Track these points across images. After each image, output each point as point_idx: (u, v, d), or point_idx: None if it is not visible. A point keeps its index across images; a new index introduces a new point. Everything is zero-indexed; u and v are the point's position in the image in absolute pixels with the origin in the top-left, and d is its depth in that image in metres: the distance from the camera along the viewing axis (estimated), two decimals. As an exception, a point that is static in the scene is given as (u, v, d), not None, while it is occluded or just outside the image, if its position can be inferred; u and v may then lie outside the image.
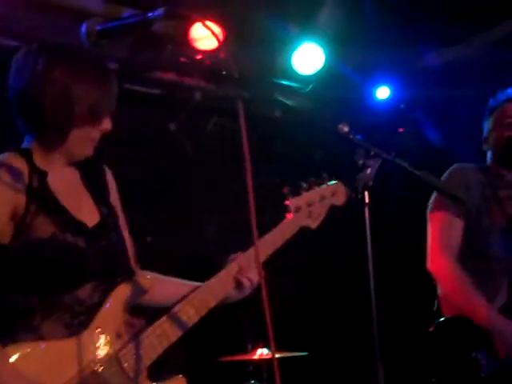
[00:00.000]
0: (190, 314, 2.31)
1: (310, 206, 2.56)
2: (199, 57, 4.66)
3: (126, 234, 2.38)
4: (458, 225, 3.30)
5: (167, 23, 4.13)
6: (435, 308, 3.36)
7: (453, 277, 3.23)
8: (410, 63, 5.29)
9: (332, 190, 2.61)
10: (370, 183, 2.11)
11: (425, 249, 3.39)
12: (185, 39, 4.50)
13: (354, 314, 2.18)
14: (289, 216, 2.53)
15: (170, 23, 4.19)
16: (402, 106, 5.40)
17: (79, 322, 2.15)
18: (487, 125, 3.50)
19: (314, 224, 2.58)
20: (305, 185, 2.55)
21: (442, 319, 3.19)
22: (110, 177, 2.42)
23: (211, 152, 5.16)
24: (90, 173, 2.35)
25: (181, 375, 2.37)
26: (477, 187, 3.34)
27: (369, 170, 2.13)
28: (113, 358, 2.15)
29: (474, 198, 3.32)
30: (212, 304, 2.36)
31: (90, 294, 2.17)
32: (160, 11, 1.97)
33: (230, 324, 4.86)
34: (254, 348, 4.59)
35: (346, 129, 2.10)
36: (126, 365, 2.16)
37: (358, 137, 2.25)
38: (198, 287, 2.37)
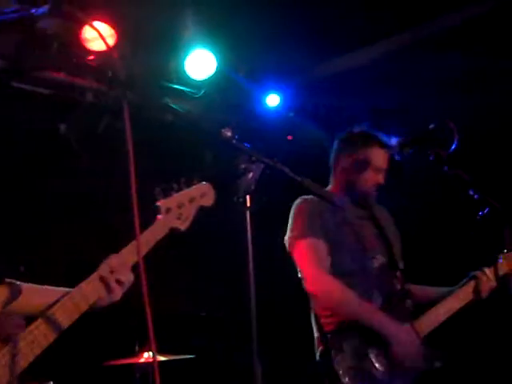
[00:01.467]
0: (62, 319, 2.25)
1: (180, 207, 2.56)
2: (91, 57, 4.61)
3: None
4: (323, 246, 3.42)
5: (57, 22, 4.06)
6: (316, 327, 3.45)
7: (338, 290, 3.34)
8: (301, 72, 5.40)
9: (201, 191, 2.61)
10: (252, 187, 2.15)
11: None
12: (77, 39, 4.45)
13: (238, 316, 2.23)
14: (159, 218, 2.53)
15: (61, 23, 4.12)
16: (292, 114, 5.52)
17: None
18: (353, 161, 3.61)
19: (183, 226, 2.58)
20: (175, 186, 2.56)
21: (334, 332, 3.30)
22: None
23: (102, 153, 5.11)
24: None
25: (51, 382, 2.33)
26: (328, 211, 3.46)
27: (250, 175, 2.17)
28: None
29: (328, 222, 3.46)
30: (83, 307, 2.30)
31: None
32: (44, 8, 1.94)
33: (118, 327, 4.83)
34: (141, 351, 4.58)
35: (229, 134, 2.15)
36: None
37: (245, 143, 2.30)
38: (70, 292, 2.33)
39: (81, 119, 4.97)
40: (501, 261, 3.27)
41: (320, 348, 3.39)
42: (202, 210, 2.61)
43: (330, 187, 3.70)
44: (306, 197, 3.53)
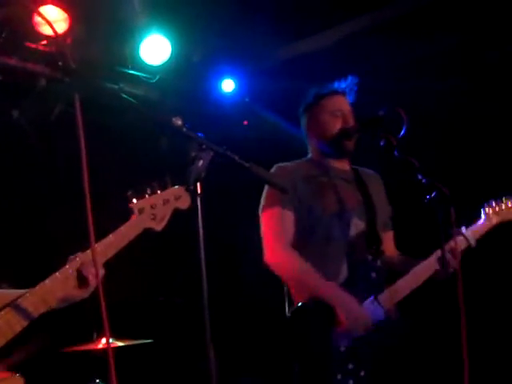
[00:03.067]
0: (30, 310, 2.29)
1: (153, 208, 2.63)
2: (43, 42, 4.56)
3: None
4: (290, 217, 3.46)
5: (7, 9, 4.01)
6: (286, 297, 3.48)
7: (293, 264, 3.39)
8: (256, 57, 5.42)
9: (175, 194, 2.69)
10: (203, 175, 2.19)
11: (257, 239, 3.53)
12: (29, 23, 4.39)
13: (193, 301, 2.25)
14: (132, 218, 2.60)
15: (10, 9, 4.07)
16: (247, 99, 5.53)
17: None
18: (309, 119, 3.66)
19: (158, 226, 2.66)
20: (148, 189, 2.65)
21: (299, 304, 3.33)
22: None
23: (56, 141, 5.07)
24: None
25: (18, 374, 2.34)
26: (302, 181, 3.50)
27: (201, 162, 2.20)
28: None
29: (302, 192, 3.48)
30: (51, 302, 2.35)
31: None
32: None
33: (76, 314, 4.81)
34: (99, 337, 4.58)
35: (179, 122, 2.17)
36: None
37: (198, 131, 2.32)
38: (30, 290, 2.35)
39: (34, 105, 4.92)
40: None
41: (288, 316, 3.41)
42: (177, 212, 2.68)
43: (309, 155, 3.70)
44: (281, 165, 3.57)
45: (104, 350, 4.55)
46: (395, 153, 3.12)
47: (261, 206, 3.55)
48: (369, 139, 3.28)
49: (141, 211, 2.61)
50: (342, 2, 4.83)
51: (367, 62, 4.95)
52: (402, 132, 3.04)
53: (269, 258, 3.44)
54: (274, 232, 3.46)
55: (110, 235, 2.53)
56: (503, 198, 3.71)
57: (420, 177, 2.99)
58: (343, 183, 3.58)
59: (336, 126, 3.55)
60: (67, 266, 2.41)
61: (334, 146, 3.57)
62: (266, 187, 3.54)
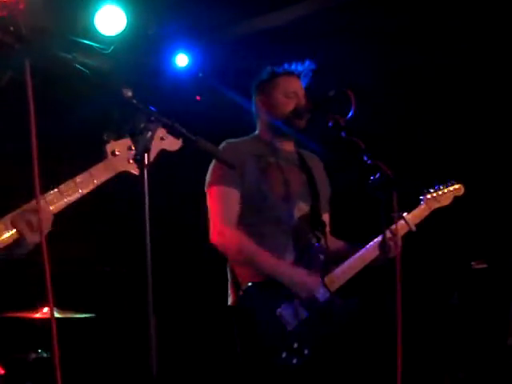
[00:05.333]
0: None
1: (130, 150, 2.43)
2: (-5, 7, 4.47)
3: None
4: (235, 195, 3.45)
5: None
6: (231, 278, 3.49)
7: (240, 244, 3.39)
8: (211, 32, 5.41)
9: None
10: (149, 146, 2.20)
11: (204, 213, 3.54)
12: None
13: (138, 274, 2.26)
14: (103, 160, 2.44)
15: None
16: (201, 74, 5.53)
17: None
18: (262, 96, 3.66)
19: (136, 169, 2.35)
20: (127, 130, 2.37)
21: (249, 284, 3.33)
22: None
23: (4, 108, 4.99)
24: None
25: None
26: (251, 159, 3.51)
27: (149, 134, 2.21)
28: None
29: (250, 170, 3.48)
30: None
31: None
32: None
33: (19, 280, 4.78)
34: (41, 306, 4.56)
35: (129, 93, 2.18)
36: None
37: (148, 103, 2.31)
38: None
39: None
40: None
41: (231, 297, 3.46)
42: (166, 154, 2.47)
43: (256, 132, 3.70)
44: (230, 141, 3.55)
45: (46, 320, 4.54)
46: (342, 134, 3.17)
47: (206, 183, 3.53)
48: (318, 120, 3.32)
49: (115, 153, 2.43)
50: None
51: (321, 42, 4.99)
52: (350, 113, 3.09)
53: (214, 238, 3.43)
54: (219, 210, 3.44)
55: (75, 177, 2.40)
56: (441, 185, 3.87)
57: (365, 158, 3.05)
58: (289, 165, 3.61)
59: (289, 106, 3.57)
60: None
61: (285, 125, 3.58)
62: (212, 163, 3.52)
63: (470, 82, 5.23)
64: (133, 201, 2.23)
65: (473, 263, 4.83)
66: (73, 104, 4.93)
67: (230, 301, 3.47)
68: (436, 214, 3.80)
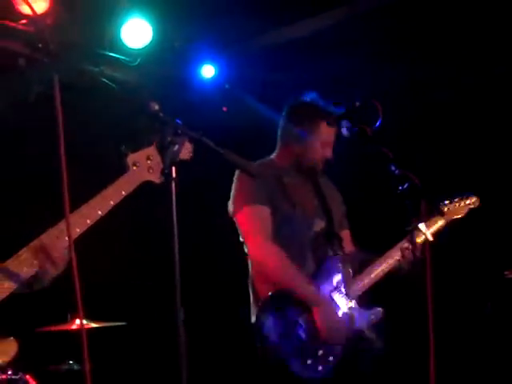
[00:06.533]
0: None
1: (150, 160, 2.49)
2: (23, 21, 4.53)
3: None
4: (267, 212, 3.53)
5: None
6: (252, 295, 3.57)
7: (282, 260, 3.47)
8: (237, 43, 5.43)
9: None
10: (177, 159, 2.22)
11: (231, 224, 3.60)
12: (9, 1, 4.36)
13: (168, 285, 2.27)
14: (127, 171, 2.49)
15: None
16: (227, 85, 5.54)
17: None
18: (297, 132, 3.71)
19: (157, 178, 2.50)
20: (145, 141, 2.51)
21: (270, 294, 3.42)
22: None
23: (34, 122, 5.04)
24: None
25: (12, 337, 2.34)
26: (271, 178, 3.59)
27: (176, 147, 2.23)
28: None
29: (271, 189, 3.57)
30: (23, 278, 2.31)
31: None
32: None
33: (50, 294, 4.81)
34: (73, 318, 4.60)
35: (156, 107, 2.19)
36: None
37: (175, 116, 2.34)
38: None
39: (12, 85, 4.89)
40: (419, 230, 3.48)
41: (254, 312, 3.51)
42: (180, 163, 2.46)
43: (274, 155, 3.78)
44: (258, 161, 3.66)
45: (78, 332, 4.57)
46: (369, 143, 3.17)
47: (235, 202, 3.59)
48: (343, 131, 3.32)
49: (135, 164, 2.48)
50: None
51: (346, 52, 4.98)
52: (377, 123, 3.08)
53: (256, 253, 3.50)
54: (258, 228, 3.51)
55: (104, 190, 2.44)
56: (456, 197, 3.90)
57: (393, 168, 3.03)
58: (303, 185, 3.71)
59: (320, 154, 3.67)
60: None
61: (307, 168, 3.70)
62: (236, 182, 3.59)
63: (494, 93, 5.19)
64: (161, 213, 2.24)
65: (506, 272, 4.77)
66: (99, 117, 4.96)
67: (253, 318, 3.52)
68: (468, 224, 3.79)
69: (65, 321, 4.63)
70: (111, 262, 5.39)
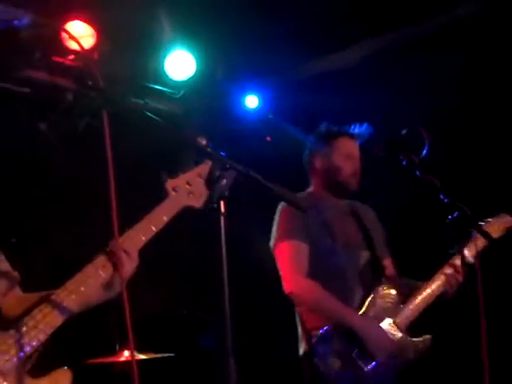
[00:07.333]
0: (68, 303, 2.25)
1: (189, 185, 2.52)
2: (71, 57, 4.62)
3: None
4: (305, 249, 3.56)
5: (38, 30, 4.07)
6: (301, 326, 3.57)
7: (316, 292, 3.49)
8: (280, 73, 5.46)
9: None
10: (226, 193, 2.23)
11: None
12: (57, 38, 4.45)
13: (217, 316, 2.27)
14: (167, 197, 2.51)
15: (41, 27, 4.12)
16: (271, 115, 5.57)
17: None
18: (321, 156, 3.77)
19: (197, 203, 2.54)
20: (184, 167, 2.55)
21: (321, 331, 3.41)
22: None
23: (82, 154, 5.13)
24: None
25: (66, 367, 2.30)
26: (311, 213, 3.59)
27: (224, 181, 2.23)
28: None
29: (312, 223, 3.59)
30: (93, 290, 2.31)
31: None
32: (26, 20, 1.97)
33: (98, 326, 4.85)
34: (122, 350, 4.60)
35: (203, 142, 2.21)
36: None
37: (221, 149, 2.35)
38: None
39: (61, 118, 4.98)
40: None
41: (303, 345, 3.50)
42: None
43: (310, 188, 3.79)
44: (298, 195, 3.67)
45: (126, 363, 4.58)
46: (417, 172, 3.15)
47: (275, 236, 3.63)
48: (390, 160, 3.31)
49: (175, 189, 2.50)
50: (367, 19, 4.86)
51: (391, 79, 4.97)
52: (424, 152, 3.07)
53: (290, 288, 3.51)
54: (293, 263, 3.54)
55: (146, 216, 2.45)
56: (490, 218, 3.83)
57: (442, 197, 3.01)
58: (344, 217, 3.73)
59: (348, 168, 3.70)
60: (109, 251, 2.34)
61: (342, 189, 3.73)
62: (278, 215, 3.63)
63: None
64: (211, 248, 2.25)
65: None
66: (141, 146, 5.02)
67: (301, 350, 3.51)
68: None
69: (113, 353, 4.64)
70: (159, 292, 5.41)
